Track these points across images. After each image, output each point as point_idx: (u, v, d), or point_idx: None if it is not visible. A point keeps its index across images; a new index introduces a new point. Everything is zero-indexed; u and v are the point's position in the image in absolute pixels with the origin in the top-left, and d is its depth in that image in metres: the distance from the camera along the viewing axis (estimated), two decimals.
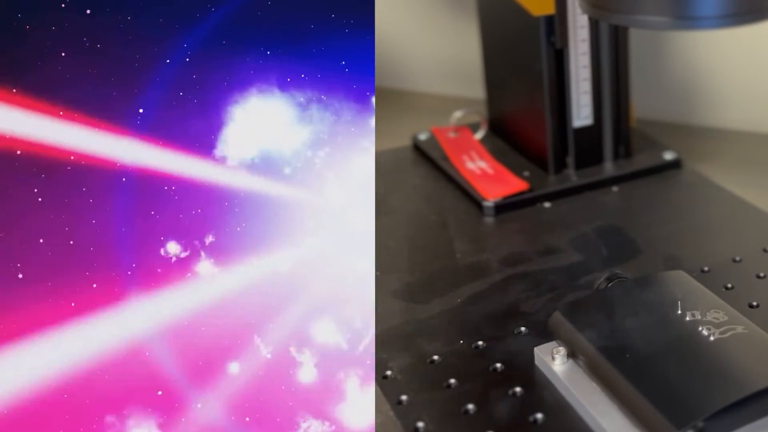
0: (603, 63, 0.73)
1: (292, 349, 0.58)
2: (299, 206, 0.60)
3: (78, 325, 0.55)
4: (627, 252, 0.65)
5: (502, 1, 0.75)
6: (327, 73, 0.60)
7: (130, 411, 0.55)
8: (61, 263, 0.55)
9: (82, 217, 0.56)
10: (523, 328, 0.56)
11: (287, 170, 0.60)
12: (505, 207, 0.72)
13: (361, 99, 0.60)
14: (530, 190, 0.73)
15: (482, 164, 0.78)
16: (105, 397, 0.54)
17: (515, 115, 0.81)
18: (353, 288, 0.59)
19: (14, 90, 0.54)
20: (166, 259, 0.57)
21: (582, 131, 0.75)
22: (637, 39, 0.81)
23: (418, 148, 0.85)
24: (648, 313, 0.50)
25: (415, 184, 0.79)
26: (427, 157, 0.82)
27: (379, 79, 1.02)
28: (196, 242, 0.58)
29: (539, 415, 0.48)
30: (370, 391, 0.55)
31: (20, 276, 0.54)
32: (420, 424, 0.49)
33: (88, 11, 0.55)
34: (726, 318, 0.49)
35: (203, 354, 0.57)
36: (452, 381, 0.52)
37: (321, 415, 0.57)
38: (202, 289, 0.58)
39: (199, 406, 0.56)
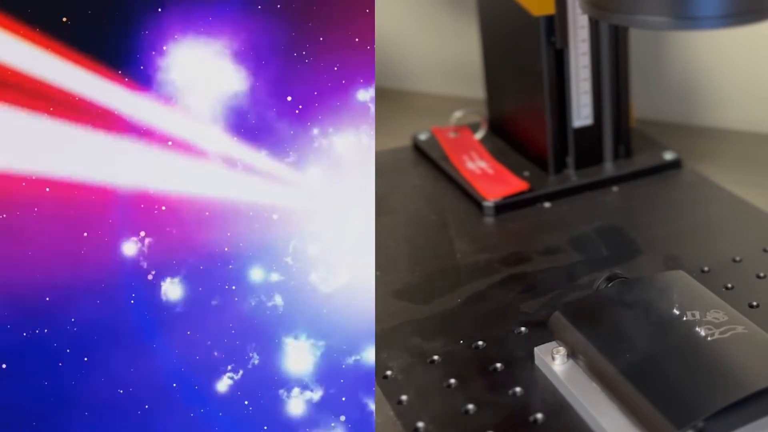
0: (603, 63, 0.73)
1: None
2: (299, 206, 0.60)
3: None
4: (627, 252, 0.65)
5: (502, 1, 0.75)
6: (327, 73, 0.60)
7: None
8: None
9: None
10: (523, 328, 0.56)
11: (287, 170, 0.60)
12: (505, 207, 0.72)
13: (361, 99, 0.60)
14: (530, 190, 0.73)
15: (482, 164, 0.78)
16: None
17: (515, 115, 0.81)
18: (353, 288, 0.59)
19: None
20: None
21: (582, 131, 0.75)
22: (637, 39, 0.81)
23: (418, 148, 0.85)
24: (648, 313, 0.50)
25: (415, 184, 0.79)
26: (427, 157, 0.82)
27: (379, 79, 1.02)
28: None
29: (539, 415, 0.48)
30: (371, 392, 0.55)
31: None
32: (420, 424, 0.49)
33: None
34: (726, 318, 0.48)
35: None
36: (452, 381, 0.52)
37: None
38: None
39: None
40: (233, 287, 0.59)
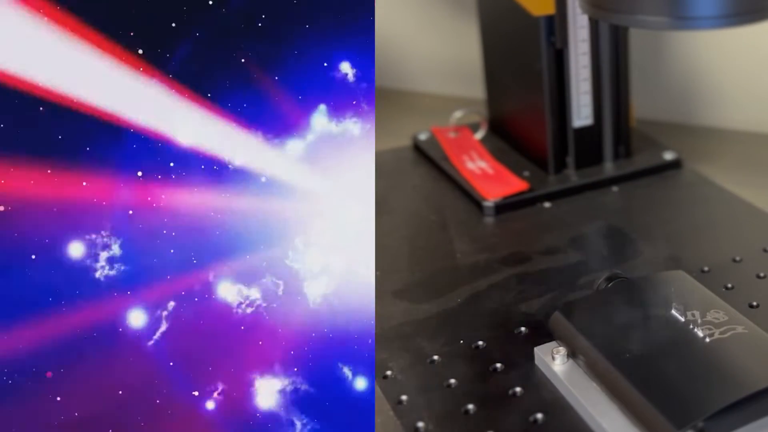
0: (603, 63, 0.73)
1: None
2: (299, 206, 0.60)
3: None
4: (627, 252, 0.65)
5: (502, 1, 0.75)
6: (327, 74, 0.60)
7: None
8: None
9: None
10: (523, 328, 0.56)
11: (287, 170, 0.60)
12: (505, 207, 0.72)
13: (361, 99, 0.60)
14: (530, 190, 0.73)
15: (482, 164, 0.78)
16: None
17: (515, 115, 0.81)
18: (353, 288, 0.59)
19: None
20: None
21: (582, 131, 0.75)
22: (637, 39, 0.81)
23: (418, 148, 0.85)
24: (648, 313, 0.50)
25: (415, 184, 0.79)
26: (427, 157, 0.82)
27: (379, 79, 1.02)
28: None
29: (539, 415, 0.48)
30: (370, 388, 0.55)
31: None
32: (420, 424, 0.49)
33: None
34: (726, 318, 0.49)
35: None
36: (452, 381, 0.52)
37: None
38: None
39: None
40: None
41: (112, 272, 0.56)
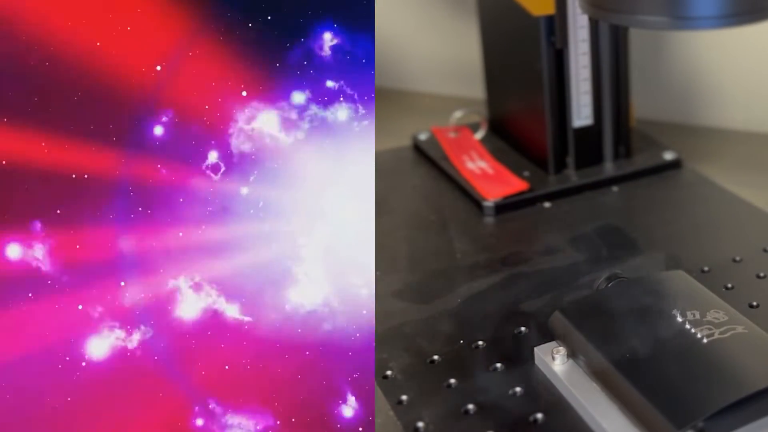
0: (603, 63, 0.73)
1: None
2: (299, 206, 0.60)
3: None
4: (627, 252, 0.64)
5: (502, 1, 0.75)
6: (327, 74, 0.60)
7: None
8: None
9: None
10: (523, 328, 0.56)
11: (286, 170, 0.60)
12: (505, 207, 0.72)
13: (360, 99, 0.60)
14: (530, 190, 0.73)
15: (482, 164, 0.78)
16: None
17: (515, 115, 0.81)
18: (353, 288, 0.59)
19: None
20: None
21: (582, 131, 0.75)
22: (637, 39, 0.81)
23: (418, 148, 0.85)
24: (648, 313, 0.50)
25: (415, 184, 0.79)
26: (427, 157, 0.82)
27: (379, 79, 1.02)
28: None
29: (539, 415, 0.48)
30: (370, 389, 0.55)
31: None
32: (420, 424, 0.49)
33: None
34: (726, 318, 0.48)
35: None
36: (452, 381, 0.52)
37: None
38: None
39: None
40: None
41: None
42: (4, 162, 0.54)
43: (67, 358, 0.55)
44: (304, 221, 0.59)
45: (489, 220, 0.71)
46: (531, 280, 0.62)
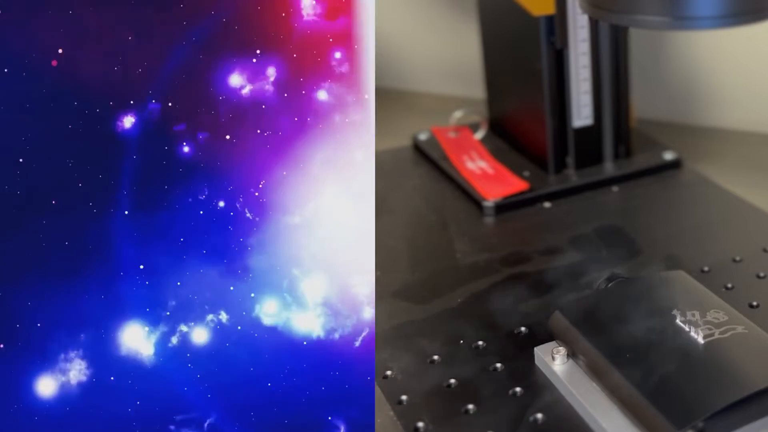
0: (603, 63, 0.73)
1: None
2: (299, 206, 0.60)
3: None
4: (627, 252, 0.65)
5: (502, 1, 0.75)
6: (327, 74, 0.60)
7: None
8: None
9: None
10: (523, 328, 0.56)
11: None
12: (505, 207, 0.72)
13: (360, 99, 0.60)
14: (530, 190, 0.73)
15: (482, 164, 0.78)
16: None
17: (515, 115, 0.81)
18: (353, 288, 0.59)
19: None
20: None
21: (582, 131, 0.75)
22: (637, 39, 0.81)
23: (418, 148, 0.85)
24: (648, 313, 0.50)
25: (415, 184, 0.79)
26: (427, 157, 0.82)
27: (379, 79, 1.01)
28: None
29: (539, 415, 0.48)
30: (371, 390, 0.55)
31: None
32: (420, 424, 0.49)
33: None
34: (726, 318, 0.49)
35: None
36: (452, 381, 0.52)
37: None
38: None
39: None
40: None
41: None
42: None
43: None
44: (304, 221, 0.59)
45: (489, 220, 0.71)
46: (531, 280, 0.62)
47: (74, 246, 0.55)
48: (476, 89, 0.90)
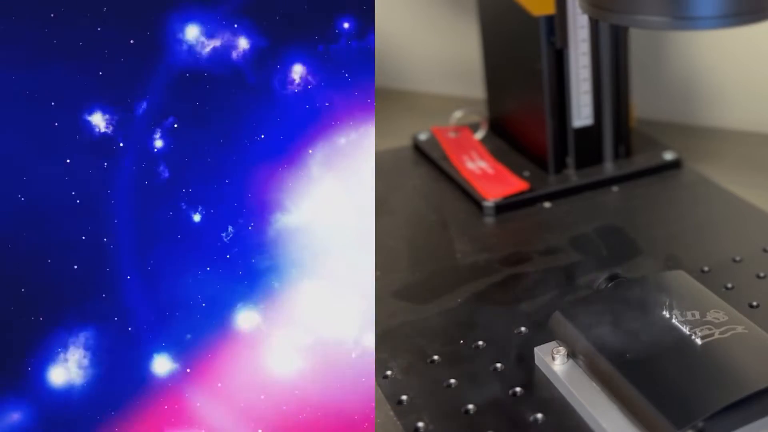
0: (603, 63, 0.73)
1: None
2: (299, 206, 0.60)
3: None
4: (627, 252, 0.64)
5: (502, 1, 0.75)
6: (327, 74, 0.60)
7: None
8: None
9: None
10: (523, 328, 0.56)
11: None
12: (505, 207, 0.72)
13: (360, 99, 0.60)
14: (530, 190, 0.73)
15: (482, 164, 0.78)
16: None
17: (515, 115, 0.81)
18: (353, 288, 0.59)
19: None
20: None
21: (582, 131, 0.75)
22: (637, 39, 0.81)
23: (418, 148, 0.85)
24: (648, 313, 0.50)
25: (415, 184, 0.79)
26: (427, 157, 0.82)
27: (379, 79, 1.02)
28: None
29: (539, 415, 0.48)
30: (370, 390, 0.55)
31: None
32: (420, 424, 0.49)
33: None
34: (726, 318, 0.48)
35: None
36: (452, 381, 0.52)
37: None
38: None
39: None
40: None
41: None
42: None
43: None
44: (303, 222, 0.60)
45: (489, 220, 0.71)
46: (531, 280, 0.62)
47: None
48: (476, 89, 0.90)
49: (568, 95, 0.73)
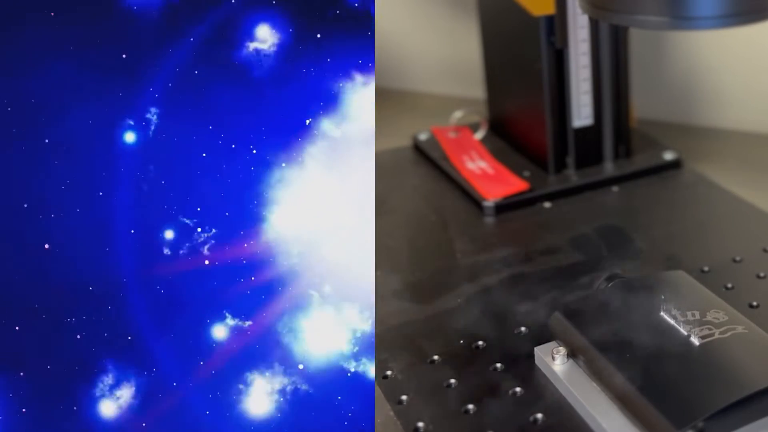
0: (603, 63, 0.73)
1: None
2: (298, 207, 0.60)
3: None
4: (627, 252, 0.64)
5: (502, 1, 0.75)
6: (327, 75, 0.60)
7: None
8: None
9: None
10: (523, 328, 0.56)
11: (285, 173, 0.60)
12: (505, 207, 0.72)
13: (360, 99, 0.60)
14: (530, 190, 0.73)
15: (482, 164, 0.78)
16: None
17: (515, 115, 0.81)
18: (353, 288, 0.59)
19: None
20: None
21: (582, 131, 0.75)
22: (637, 39, 0.81)
23: (418, 148, 0.85)
24: (648, 313, 0.50)
25: (415, 184, 0.79)
26: (427, 157, 0.82)
27: (379, 79, 1.02)
28: None
29: (539, 415, 0.48)
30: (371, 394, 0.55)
31: None
32: (420, 424, 0.49)
33: None
34: (726, 318, 0.48)
35: None
36: (452, 381, 0.52)
37: None
38: None
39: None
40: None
41: None
42: None
43: None
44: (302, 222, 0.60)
45: (489, 220, 0.71)
46: (531, 280, 0.61)
47: None
48: (476, 89, 0.90)
49: (568, 95, 0.73)
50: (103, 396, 0.56)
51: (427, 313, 0.59)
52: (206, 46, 0.58)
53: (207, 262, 0.58)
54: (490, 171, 0.76)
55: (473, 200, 0.73)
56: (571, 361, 0.50)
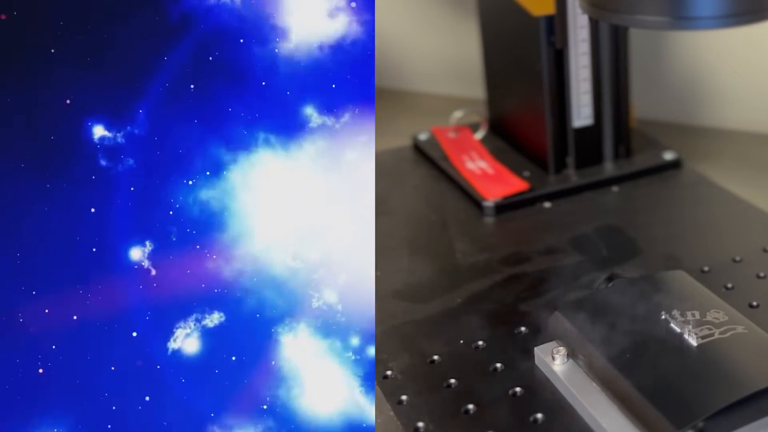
0: (603, 63, 0.73)
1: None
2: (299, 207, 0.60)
3: None
4: (627, 252, 0.64)
5: (502, 1, 0.75)
6: (327, 75, 0.60)
7: None
8: None
9: None
10: (523, 328, 0.56)
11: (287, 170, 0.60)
12: (505, 207, 0.72)
13: (360, 99, 0.60)
14: (530, 190, 0.73)
15: (482, 164, 0.78)
16: None
17: (515, 115, 0.81)
18: (353, 288, 0.59)
19: None
20: None
21: (582, 131, 0.75)
22: (637, 39, 0.81)
23: (418, 148, 0.85)
24: (648, 313, 0.50)
25: (415, 184, 0.79)
26: (427, 157, 0.82)
27: (379, 79, 1.02)
28: None
29: (539, 415, 0.48)
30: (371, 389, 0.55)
31: None
32: (420, 424, 0.49)
33: None
34: (726, 318, 0.48)
35: None
36: (452, 381, 0.52)
37: None
38: None
39: None
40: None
41: None
42: None
43: None
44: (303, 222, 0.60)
45: (489, 220, 0.71)
46: (531, 280, 0.62)
47: None
48: (476, 89, 0.90)
49: (568, 95, 0.73)
50: None
51: (427, 313, 0.59)
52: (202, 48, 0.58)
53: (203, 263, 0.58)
54: (490, 171, 0.76)
55: (473, 200, 0.73)
56: (571, 361, 0.50)
